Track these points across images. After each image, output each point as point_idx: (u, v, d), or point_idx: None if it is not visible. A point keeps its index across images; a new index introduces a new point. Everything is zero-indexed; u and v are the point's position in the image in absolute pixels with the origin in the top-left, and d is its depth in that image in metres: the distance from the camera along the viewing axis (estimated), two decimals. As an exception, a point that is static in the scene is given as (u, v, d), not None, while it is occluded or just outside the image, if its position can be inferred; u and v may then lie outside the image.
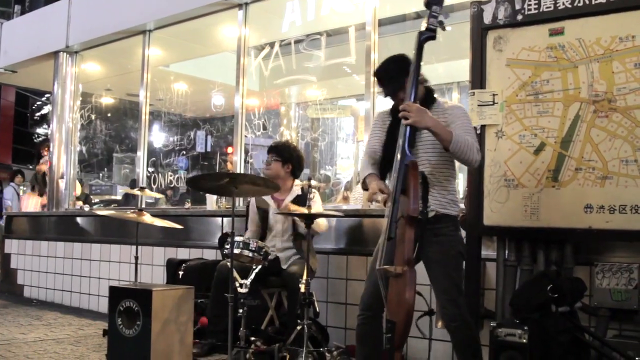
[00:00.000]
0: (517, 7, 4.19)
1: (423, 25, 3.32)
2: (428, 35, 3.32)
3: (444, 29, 3.41)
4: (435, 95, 3.65)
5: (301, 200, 4.93)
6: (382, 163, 3.57)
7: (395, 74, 3.48)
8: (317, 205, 4.91)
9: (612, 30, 3.87)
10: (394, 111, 3.56)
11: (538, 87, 4.11)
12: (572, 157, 3.96)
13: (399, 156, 3.27)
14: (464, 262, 3.66)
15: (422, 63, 3.36)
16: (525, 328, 3.52)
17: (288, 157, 5.06)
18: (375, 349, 3.56)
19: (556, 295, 3.55)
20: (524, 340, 3.50)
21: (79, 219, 8.24)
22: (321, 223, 4.85)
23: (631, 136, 3.78)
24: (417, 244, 3.15)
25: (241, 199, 6.51)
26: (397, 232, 3.19)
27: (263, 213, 5.10)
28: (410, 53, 3.46)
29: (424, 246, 3.27)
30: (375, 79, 3.66)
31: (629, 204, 3.75)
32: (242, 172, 6.72)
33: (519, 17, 4.18)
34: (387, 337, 3.14)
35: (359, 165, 8.14)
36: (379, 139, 3.67)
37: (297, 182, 5.17)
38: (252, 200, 5.23)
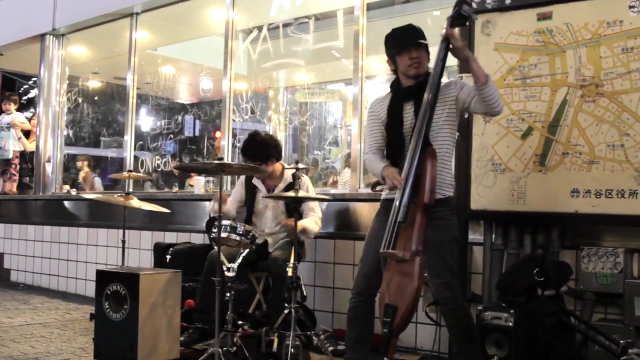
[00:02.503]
0: (506, -9, 4.18)
1: (453, 11, 3.28)
2: (460, 22, 3.30)
3: (473, 21, 3.39)
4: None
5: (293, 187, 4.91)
6: (390, 148, 3.50)
7: (416, 32, 3.42)
8: (309, 190, 4.89)
9: (600, 14, 3.87)
10: (394, 87, 3.53)
11: (526, 72, 4.11)
12: (559, 142, 3.97)
13: (414, 140, 3.23)
14: (457, 247, 3.57)
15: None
16: (512, 311, 3.54)
17: (266, 155, 4.99)
18: (366, 333, 3.58)
19: (542, 279, 3.57)
20: (510, 324, 3.52)
21: (66, 203, 8.20)
22: (311, 228, 4.82)
23: (618, 121, 3.79)
24: None
25: (229, 182, 6.51)
26: (407, 217, 3.17)
27: (252, 193, 5.07)
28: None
29: None
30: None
31: (615, 189, 3.77)
32: (230, 155, 6.72)
33: (507, 1, 4.17)
34: (387, 322, 3.13)
35: (347, 149, 8.17)
36: (380, 132, 3.58)
37: (286, 165, 5.13)
38: (242, 177, 5.20)
